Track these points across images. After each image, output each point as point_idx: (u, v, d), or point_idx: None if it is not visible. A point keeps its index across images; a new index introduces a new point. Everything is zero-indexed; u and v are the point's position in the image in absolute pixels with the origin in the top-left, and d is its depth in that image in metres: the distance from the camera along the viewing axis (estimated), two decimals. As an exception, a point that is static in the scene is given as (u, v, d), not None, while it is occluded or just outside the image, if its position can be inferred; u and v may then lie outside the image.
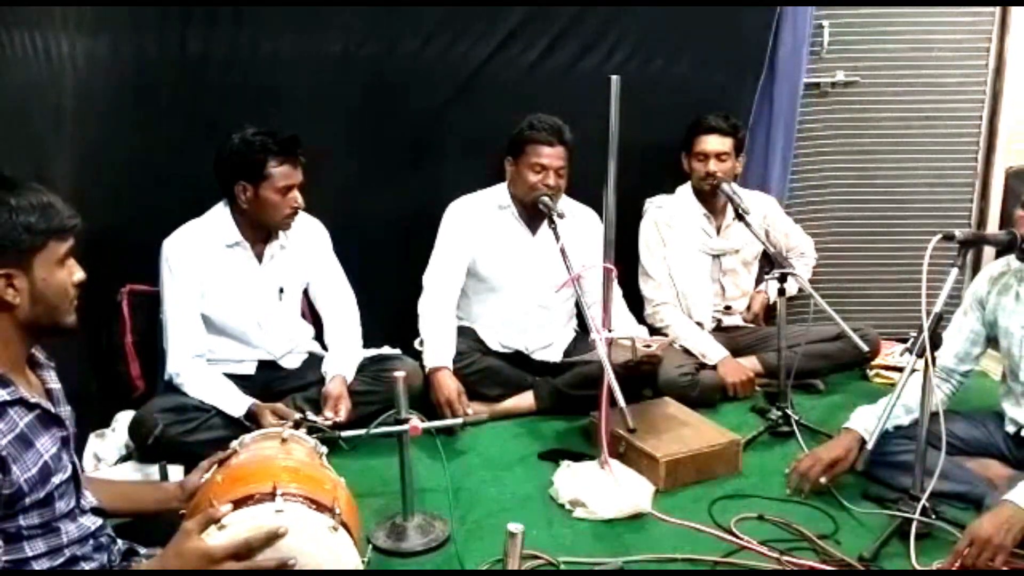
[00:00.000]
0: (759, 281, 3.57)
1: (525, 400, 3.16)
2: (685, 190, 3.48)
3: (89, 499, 1.72)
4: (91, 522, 1.68)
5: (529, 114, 3.08)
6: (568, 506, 2.51)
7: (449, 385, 2.92)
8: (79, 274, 1.65)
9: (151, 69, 2.90)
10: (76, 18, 2.64)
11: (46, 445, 1.55)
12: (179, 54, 2.93)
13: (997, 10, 3.60)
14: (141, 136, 2.91)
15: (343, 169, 3.21)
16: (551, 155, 3.03)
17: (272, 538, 1.52)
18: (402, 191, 3.31)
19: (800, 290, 3.23)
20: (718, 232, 3.45)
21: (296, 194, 2.71)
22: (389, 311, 3.21)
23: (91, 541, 1.67)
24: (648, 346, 2.86)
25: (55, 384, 1.68)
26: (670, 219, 3.43)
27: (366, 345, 3.00)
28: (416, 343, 3.08)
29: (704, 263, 3.44)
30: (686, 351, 3.31)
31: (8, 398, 1.50)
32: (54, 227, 1.58)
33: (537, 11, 3.27)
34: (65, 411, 1.66)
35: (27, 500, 1.51)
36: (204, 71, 2.97)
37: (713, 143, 3.32)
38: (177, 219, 2.77)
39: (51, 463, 1.55)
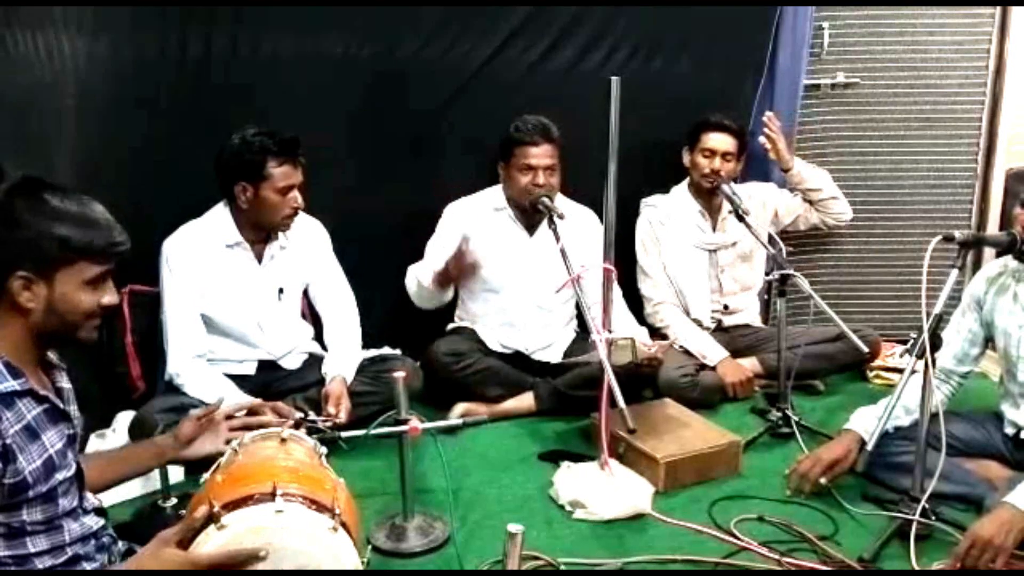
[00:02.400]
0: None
1: (525, 401, 3.15)
2: (680, 188, 3.48)
3: (91, 500, 1.73)
4: (93, 522, 1.69)
5: (530, 114, 3.08)
6: (568, 507, 2.51)
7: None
8: (109, 297, 1.61)
9: (152, 69, 2.90)
10: (77, 18, 2.64)
11: (52, 439, 1.56)
12: (179, 54, 2.93)
13: (997, 12, 3.60)
14: (142, 136, 2.92)
15: (344, 169, 3.21)
16: (538, 154, 3.03)
17: (252, 559, 1.48)
18: (402, 191, 3.31)
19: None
20: (714, 228, 3.46)
21: (296, 194, 2.70)
22: (389, 311, 3.21)
23: (93, 541, 1.68)
24: (649, 348, 2.86)
25: (66, 384, 1.68)
26: (664, 217, 3.43)
27: (366, 345, 3.00)
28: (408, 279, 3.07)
29: (700, 259, 3.44)
30: (686, 352, 3.31)
31: (18, 388, 1.51)
32: (91, 248, 1.55)
33: (537, 11, 3.27)
34: (74, 412, 1.67)
35: (30, 492, 1.52)
36: (204, 71, 2.97)
37: (721, 141, 3.33)
38: (177, 219, 2.77)
39: (56, 458, 1.56)
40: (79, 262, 1.54)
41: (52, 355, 1.68)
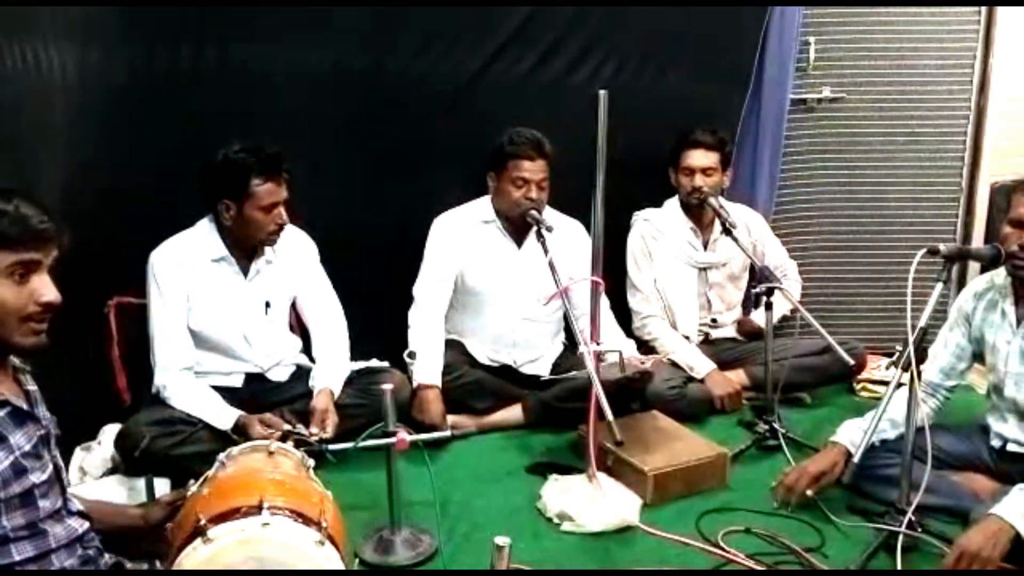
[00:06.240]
0: (747, 296, 3.58)
1: (513, 413, 3.15)
2: (673, 203, 3.49)
3: (74, 503, 1.72)
4: (78, 524, 1.68)
5: (521, 126, 3.09)
6: (556, 519, 2.51)
7: (435, 409, 2.92)
8: (48, 294, 1.52)
9: (141, 81, 2.89)
10: (66, 29, 2.63)
11: (20, 442, 1.55)
12: (170, 66, 2.93)
13: (981, 26, 3.64)
14: (130, 148, 2.90)
15: (334, 181, 3.20)
16: (532, 169, 3.04)
17: None
18: (392, 203, 3.30)
19: (792, 311, 3.22)
20: (705, 246, 3.47)
21: (281, 211, 2.68)
22: (378, 324, 3.21)
23: (79, 551, 1.67)
24: (642, 363, 2.87)
25: (31, 386, 1.66)
26: (656, 232, 3.44)
27: (355, 358, 2.99)
28: (405, 354, 3.08)
29: (690, 276, 3.45)
30: (674, 364, 3.31)
31: None
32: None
33: (527, 24, 3.28)
34: (43, 413, 1.66)
35: (1, 494, 1.50)
36: (195, 83, 2.97)
37: (700, 158, 3.34)
38: (166, 231, 2.76)
39: (25, 461, 1.55)
40: None
41: (15, 359, 1.65)
